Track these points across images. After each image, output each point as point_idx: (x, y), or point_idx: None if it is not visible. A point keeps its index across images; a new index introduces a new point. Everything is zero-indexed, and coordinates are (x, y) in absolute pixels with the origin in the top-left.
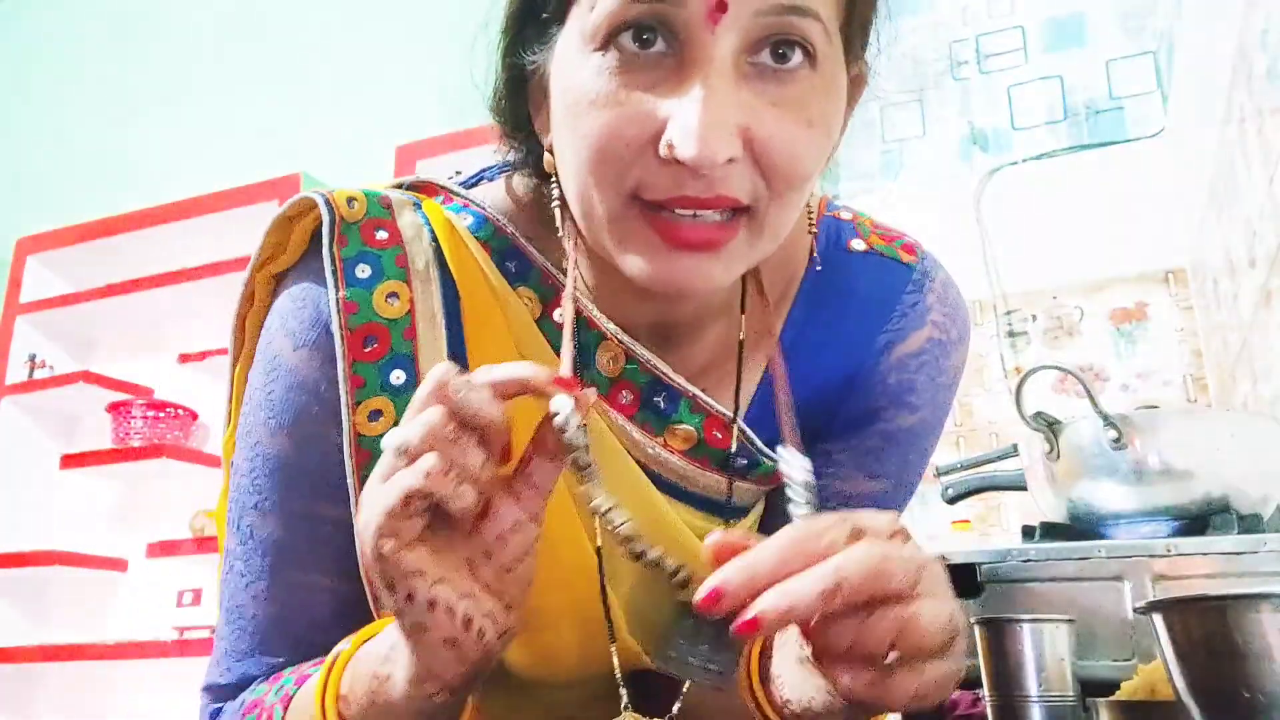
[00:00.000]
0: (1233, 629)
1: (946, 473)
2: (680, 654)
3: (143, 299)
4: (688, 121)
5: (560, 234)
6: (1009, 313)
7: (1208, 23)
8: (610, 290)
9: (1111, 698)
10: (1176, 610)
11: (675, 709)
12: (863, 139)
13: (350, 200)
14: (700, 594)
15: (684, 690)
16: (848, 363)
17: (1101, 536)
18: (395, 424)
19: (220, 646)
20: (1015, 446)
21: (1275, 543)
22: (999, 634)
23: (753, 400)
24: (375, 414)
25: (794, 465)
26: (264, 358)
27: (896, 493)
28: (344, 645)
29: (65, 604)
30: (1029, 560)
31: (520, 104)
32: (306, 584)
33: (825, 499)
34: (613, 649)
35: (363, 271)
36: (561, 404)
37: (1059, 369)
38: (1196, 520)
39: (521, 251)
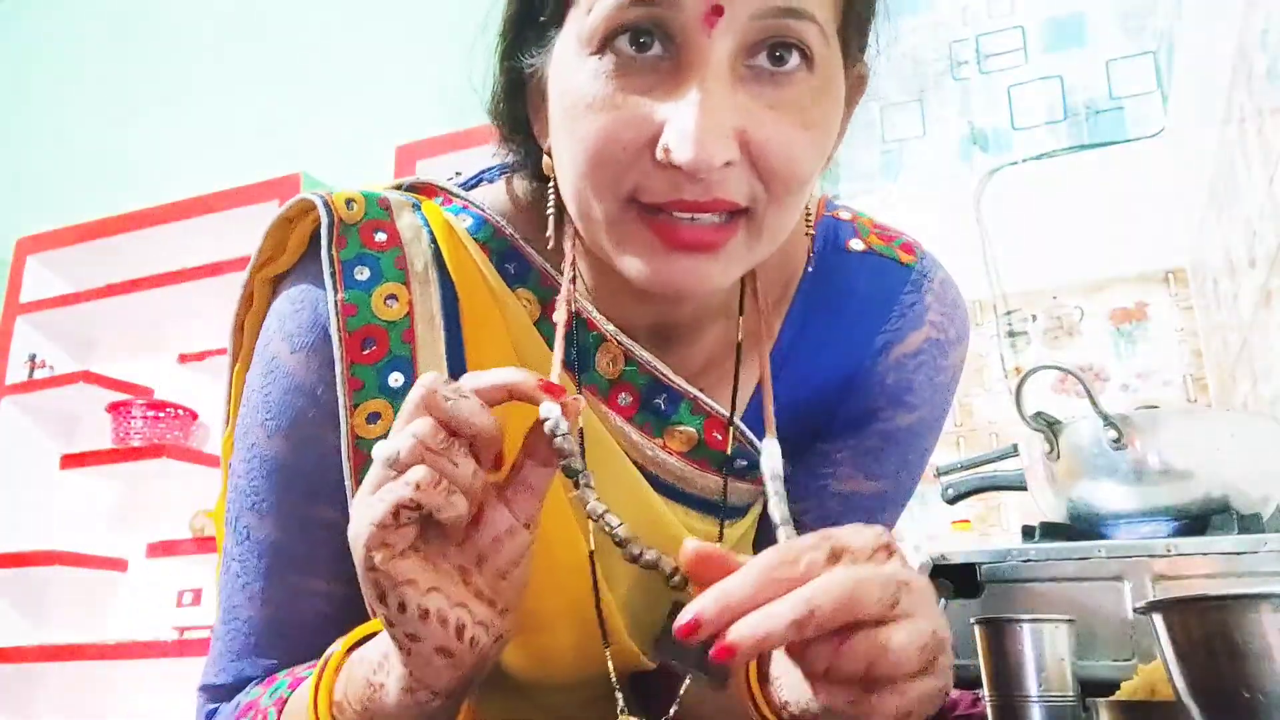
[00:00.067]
0: (1233, 629)
1: (946, 473)
2: (678, 654)
3: (143, 299)
4: (684, 125)
5: (552, 236)
6: (1009, 313)
7: (1208, 23)
8: (609, 292)
9: (1111, 698)
10: (1176, 610)
11: (672, 711)
12: (863, 139)
13: (349, 202)
14: (679, 622)
15: (681, 692)
16: (846, 362)
17: (1101, 536)
18: None
19: (216, 647)
20: (1015, 446)
21: (1275, 543)
22: (999, 634)
23: (750, 401)
24: (374, 416)
25: (767, 456)
26: (262, 360)
27: (896, 492)
28: (335, 647)
29: (65, 604)
30: (1029, 560)
31: (518, 107)
32: (303, 586)
33: (825, 499)
34: (607, 653)
35: (361, 273)
36: (550, 409)
37: (1059, 369)
38: (1196, 520)
39: (520, 253)
